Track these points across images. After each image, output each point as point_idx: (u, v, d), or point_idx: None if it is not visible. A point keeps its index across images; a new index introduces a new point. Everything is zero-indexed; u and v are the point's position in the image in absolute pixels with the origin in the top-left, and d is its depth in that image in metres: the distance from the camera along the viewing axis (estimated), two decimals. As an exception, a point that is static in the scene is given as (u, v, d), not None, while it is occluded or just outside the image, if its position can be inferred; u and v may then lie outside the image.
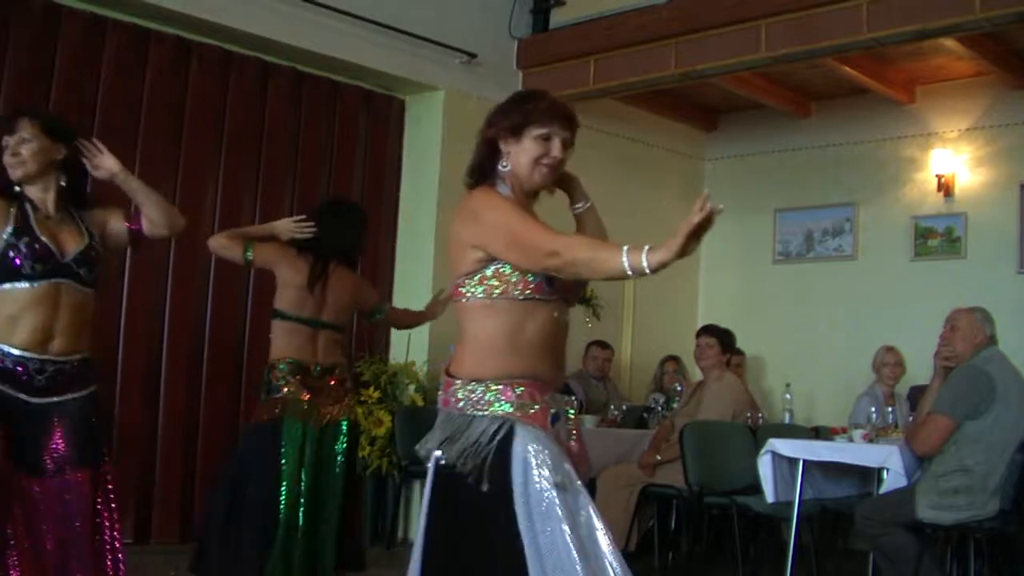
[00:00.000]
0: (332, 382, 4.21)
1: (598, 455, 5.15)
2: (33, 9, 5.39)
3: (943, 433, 4.31)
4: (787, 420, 6.25)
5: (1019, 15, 5.31)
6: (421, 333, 6.41)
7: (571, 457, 2.43)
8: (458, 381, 2.44)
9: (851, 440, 4.92)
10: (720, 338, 6.15)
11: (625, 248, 2.19)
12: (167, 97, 5.83)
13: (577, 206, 2.66)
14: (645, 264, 2.16)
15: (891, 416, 5.64)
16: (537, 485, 2.31)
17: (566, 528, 2.28)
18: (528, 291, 2.42)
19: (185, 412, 5.84)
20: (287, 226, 4.28)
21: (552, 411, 2.43)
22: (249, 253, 4.19)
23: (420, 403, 6.31)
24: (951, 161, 7.09)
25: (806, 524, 5.13)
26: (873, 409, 5.53)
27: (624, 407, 6.79)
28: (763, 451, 4.94)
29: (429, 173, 6.78)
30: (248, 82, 6.18)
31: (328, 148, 6.57)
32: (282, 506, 4.02)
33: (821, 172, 7.70)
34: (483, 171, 2.54)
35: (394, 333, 6.65)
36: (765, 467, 4.91)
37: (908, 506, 4.32)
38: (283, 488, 4.02)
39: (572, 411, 2.56)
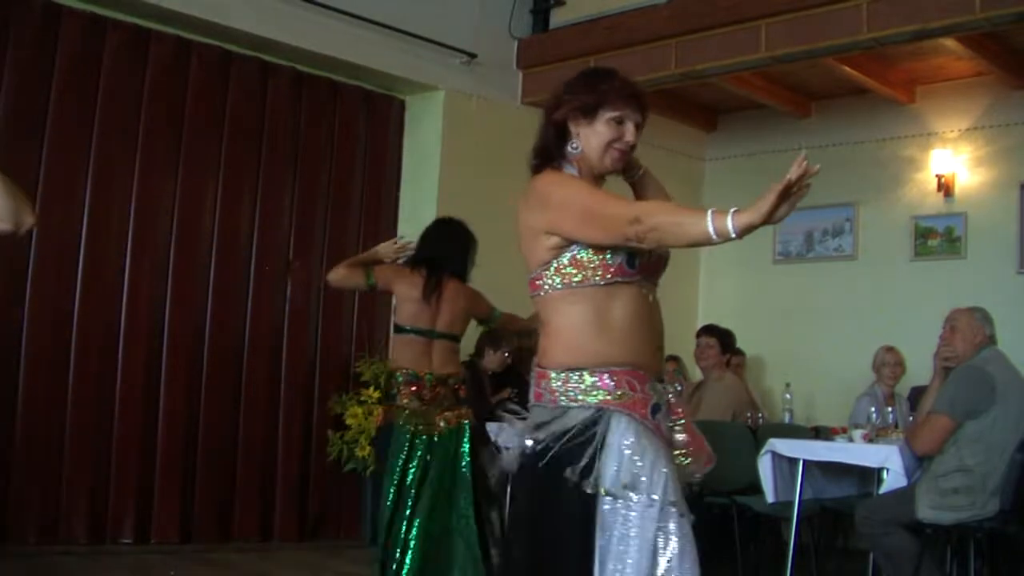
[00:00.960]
0: (441, 391, 4.34)
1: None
2: (33, 9, 5.39)
3: (943, 433, 4.30)
4: (787, 420, 6.24)
5: (1019, 15, 5.30)
6: (421, 333, 6.40)
7: (671, 449, 2.36)
8: (551, 372, 2.29)
9: (851, 440, 4.91)
10: (720, 338, 6.14)
11: (710, 211, 2.05)
12: (167, 97, 5.83)
13: (635, 173, 2.55)
14: (731, 227, 2.02)
15: (891, 416, 5.63)
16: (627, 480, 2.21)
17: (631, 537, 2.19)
18: (609, 275, 2.28)
19: (185, 412, 5.84)
20: (388, 248, 4.42)
21: (653, 402, 2.29)
22: (371, 279, 4.34)
23: (420, 403, 6.30)
24: (951, 161, 7.08)
25: (806, 524, 5.13)
26: (873, 409, 5.52)
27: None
28: (763, 451, 4.93)
29: (429, 173, 6.78)
30: (248, 82, 6.18)
31: (328, 148, 6.57)
32: (388, 504, 4.18)
33: (821, 172, 7.67)
34: (548, 153, 2.41)
35: (393, 333, 6.67)
36: (765, 467, 4.90)
37: (908, 506, 4.31)
38: (391, 489, 4.19)
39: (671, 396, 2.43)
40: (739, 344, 6.71)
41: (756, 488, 4.98)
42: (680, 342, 7.02)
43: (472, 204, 6.73)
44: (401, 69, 6.62)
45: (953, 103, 7.12)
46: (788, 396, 6.33)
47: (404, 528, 4.14)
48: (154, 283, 5.78)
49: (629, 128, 2.38)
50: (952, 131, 7.13)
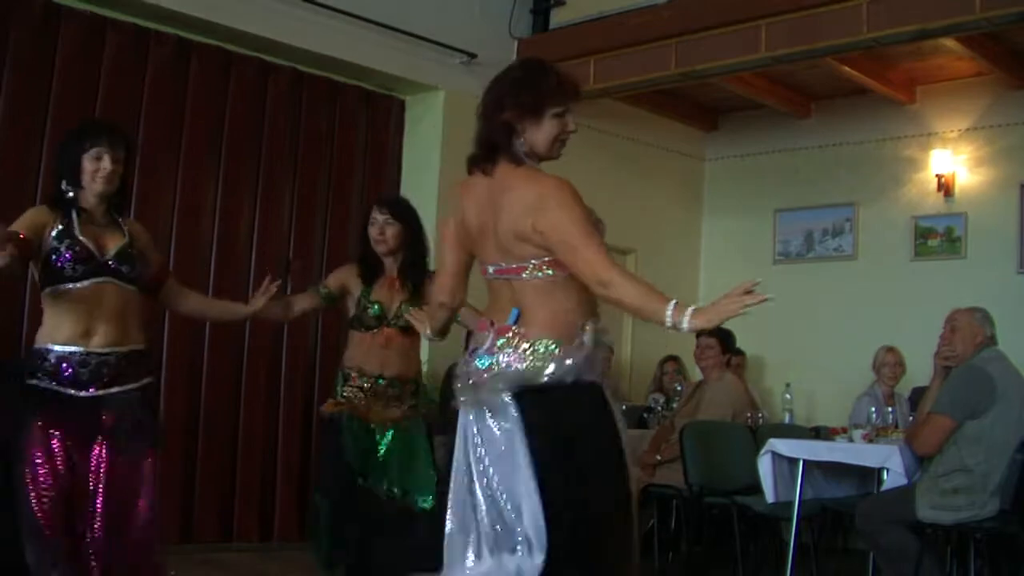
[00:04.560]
0: None
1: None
2: (33, 9, 5.39)
3: (943, 433, 4.31)
4: (787, 420, 6.25)
5: (1019, 15, 5.31)
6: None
7: None
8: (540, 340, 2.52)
9: (851, 440, 4.92)
10: (720, 338, 6.15)
11: (672, 304, 2.30)
12: (167, 97, 5.83)
13: None
14: (686, 326, 2.29)
15: (891, 416, 5.64)
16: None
17: None
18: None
19: (185, 412, 5.84)
20: None
21: None
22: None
23: (420, 403, 6.30)
24: (951, 161, 7.08)
25: (806, 524, 5.13)
26: (873, 409, 5.53)
27: (623, 407, 6.77)
28: (763, 451, 4.94)
29: (429, 173, 6.77)
30: (248, 82, 6.17)
31: (328, 148, 6.57)
32: None
33: (821, 172, 7.69)
34: (496, 148, 2.57)
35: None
36: (765, 467, 4.91)
37: (908, 505, 4.31)
38: None
39: None
40: (739, 344, 6.71)
41: (756, 488, 4.99)
42: (680, 342, 7.03)
43: (472, 204, 6.75)
44: (401, 69, 6.62)
45: (953, 103, 7.12)
46: (788, 396, 6.34)
47: None
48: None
49: (570, 119, 2.58)
50: (952, 131, 7.13)
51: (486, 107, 2.61)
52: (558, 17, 7.18)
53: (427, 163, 6.80)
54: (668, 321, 2.30)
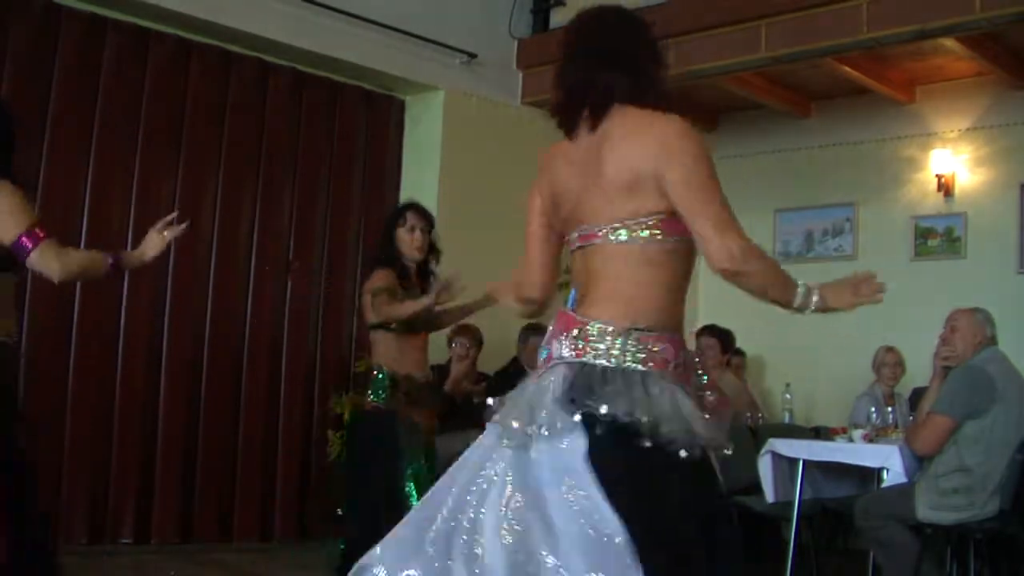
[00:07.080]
0: None
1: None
2: (33, 9, 5.40)
3: (943, 433, 4.30)
4: (787, 420, 6.24)
5: (1019, 15, 5.31)
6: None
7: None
8: (611, 327, 2.09)
9: (851, 440, 4.92)
10: (720, 338, 6.14)
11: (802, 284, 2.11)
12: (167, 97, 5.83)
13: None
14: (813, 305, 2.13)
15: (891, 416, 5.63)
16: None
17: None
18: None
19: (185, 412, 5.84)
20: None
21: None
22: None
23: (420, 403, 6.30)
24: (951, 161, 7.08)
25: (806, 524, 5.12)
26: (873, 409, 5.53)
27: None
28: (763, 451, 4.94)
29: (429, 173, 6.78)
30: (248, 82, 6.18)
31: (328, 148, 6.57)
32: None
33: (821, 172, 7.68)
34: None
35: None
36: (765, 467, 4.91)
37: (908, 504, 4.31)
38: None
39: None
40: (739, 344, 6.71)
41: (756, 488, 4.98)
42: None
43: (472, 204, 6.75)
44: (401, 69, 6.62)
45: (953, 103, 7.12)
46: (788, 396, 6.33)
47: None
48: (154, 283, 5.78)
49: None
50: (952, 131, 7.13)
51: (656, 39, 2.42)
52: (558, 17, 7.17)
53: (427, 163, 6.80)
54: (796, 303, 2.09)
